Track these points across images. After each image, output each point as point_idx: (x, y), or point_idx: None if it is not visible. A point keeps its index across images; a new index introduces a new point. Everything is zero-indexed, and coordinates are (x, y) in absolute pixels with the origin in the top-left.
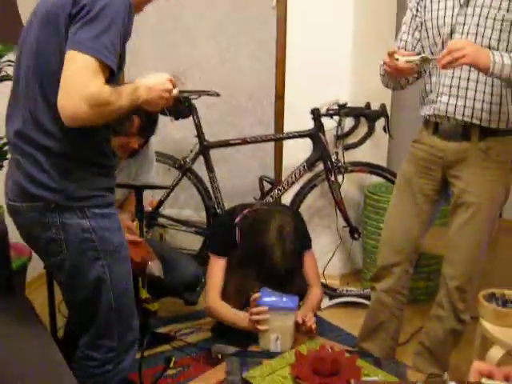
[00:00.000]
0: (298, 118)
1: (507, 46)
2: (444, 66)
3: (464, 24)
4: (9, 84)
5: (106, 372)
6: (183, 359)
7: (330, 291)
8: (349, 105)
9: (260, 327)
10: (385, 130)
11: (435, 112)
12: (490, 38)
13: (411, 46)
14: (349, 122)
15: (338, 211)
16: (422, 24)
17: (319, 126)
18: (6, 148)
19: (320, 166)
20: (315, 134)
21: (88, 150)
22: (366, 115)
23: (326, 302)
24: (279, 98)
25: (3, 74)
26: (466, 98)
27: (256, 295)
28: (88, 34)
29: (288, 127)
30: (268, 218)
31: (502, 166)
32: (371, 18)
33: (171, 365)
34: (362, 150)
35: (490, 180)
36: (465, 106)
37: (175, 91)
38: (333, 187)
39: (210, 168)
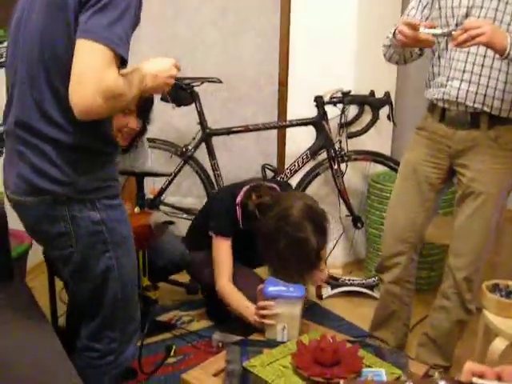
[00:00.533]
0: (301, 106)
1: None
2: (459, 44)
3: (482, 7)
4: None
5: (108, 363)
6: (184, 347)
7: (332, 280)
8: (353, 92)
9: (266, 321)
10: (389, 118)
11: (444, 96)
12: (509, 25)
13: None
14: (352, 110)
15: (341, 200)
16: (433, 1)
17: (322, 113)
18: None
19: (323, 155)
20: (318, 121)
21: (97, 140)
22: (369, 103)
23: (328, 291)
24: (282, 85)
25: (4, 59)
26: (478, 84)
27: (261, 286)
28: (100, 22)
29: (291, 115)
30: (290, 202)
31: (511, 155)
32: (375, 5)
33: (172, 353)
34: (366, 138)
35: (499, 169)
36: (477, 93)
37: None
38: (336, 176)
39: (212, 156)
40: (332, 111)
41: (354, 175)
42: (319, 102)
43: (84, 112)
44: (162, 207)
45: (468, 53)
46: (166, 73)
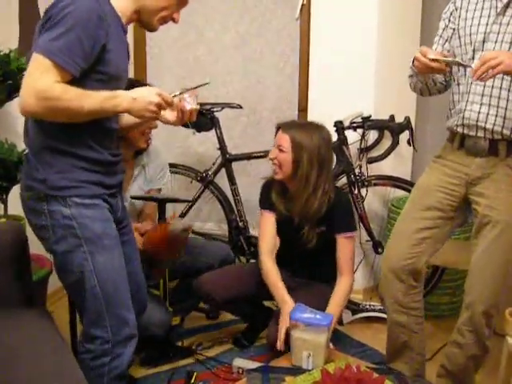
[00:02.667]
0: None
1: None
2: (479, 78)
3: (498, 33)
4: None
5: (103, 365)
6: (203, 373)
7: (352, 306)
8: (373, 117)
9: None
10: (409, 143)
11: (464, 121)
12: None
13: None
14: (373, 135)
15: (362, 225)
16: (453, 33)
17: (343, 138)
18: None
19: (343, 179)
20: (339, 146)
21: (69, 144)
22: (390, 128)
23: (348, 317)
24: (302, 110)
25: None
26: (498, 107)
27: (287, 309)
28: (46, 38)
29: None
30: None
31: None
32: (395, 30)
33: (193, 380)
34: (386, 163)
35: None
36: (496, 115)
37: (194, 105)
38: (356, 201)
39: (232, 181)
40: (352, 136)
41: (374, 200)
42: (339, 126)
43: (22, 109)
44: None
45: (490, 78)
46: (145, 98)
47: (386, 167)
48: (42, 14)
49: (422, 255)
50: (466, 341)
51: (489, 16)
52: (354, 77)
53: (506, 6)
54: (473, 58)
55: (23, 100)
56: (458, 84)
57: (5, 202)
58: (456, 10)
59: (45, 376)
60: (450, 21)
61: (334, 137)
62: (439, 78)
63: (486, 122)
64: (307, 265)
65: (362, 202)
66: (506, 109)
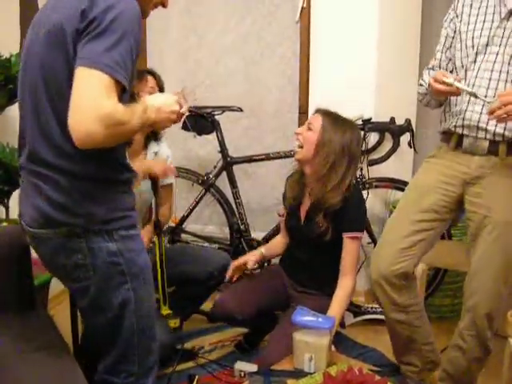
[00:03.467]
0: None
1: None
2: (499, 120)
3: (502, 37)
4: None
5: None
6: (205, 377)
7: (354, 308)
8: (373, 120)
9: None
10: (410, 145)
11: (464, 122)
12: None
13: (445, 63)
14: (373, 137)
15: None
16: (454, 35)
17: None
18: None
19: None
20: None
21: (109, 169)
22: (390, 130)
23: (350, 319)
24: (303, 112)
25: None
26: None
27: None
28: (98, 49)
29: None
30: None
31: None
32: (396, 33)
33: (194, 383)
34: (387, 165)
35: None
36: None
37: (184, 109)
38: None
39: (233, 184)
40: None
41: (375, 202)
42: None
43: (83, 140)
44: (183, 235)
45: (490, 79)
46: (168, 107)
47: (386, 169)
48: None
49: (412, 258)
50: (468, 345)
51: (492, 21)
52: (355, 79)
53: (511, 13)
54: (475, 62)
55: (88, 129)
56: (465, 77)
57: (6, 206)
58: (457, 16)
59: (46, 380)
60: (450, 28)
61: None
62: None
63: (487, 124)
64: (313, 269)
65: None
66: None
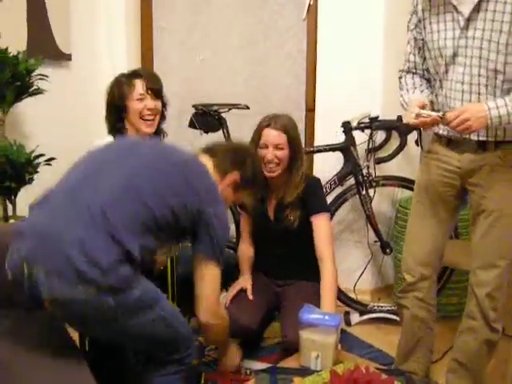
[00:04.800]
0: (328, 132)
1: None
2: (454, 129)
3: (466, 47)
4: (40, 97)
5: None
6: (211, 374)
7: (360, 307)
8: (380, 118)
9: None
10: (417, 144)
11: (450, 133)
12: (496, 62)
13: (420, 65)
14: (380, 136)
15: (369, 226)
16: (423, 44)
17: (350, 139)
18: (38, 161)
19: (351, 180)
20: (346, 147)
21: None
22: (397, 128)
23: (356, 318)
24: (310, 111)
25: (34, 88)
26: None
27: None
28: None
29: (319, 141)
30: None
31: None
32: (402, 30)
33: (202, 381)
34: (394, 163)
35: (509, 186)
36: None
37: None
38: (364, 201)
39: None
40: (360, 137)
41: (382, 201)
42: (347, 127)
43: (203, 324)
44: None
45: (462, 91)
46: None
47: (393, 168)
48: (49, 15)
49: (442, 249)
50: (479, 324)
51: (453, 29)
52: (362, 77)
53: (468, 20)
54: (447, 72)
55: (205, 315)
56: (441, 87)
57: (13, 203)
58: (420, 21)
59: (55, 379)
60: (417, 31)
61: (342, 137)
62: None
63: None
64: (291, 260)
65: (370, 202)
66: None
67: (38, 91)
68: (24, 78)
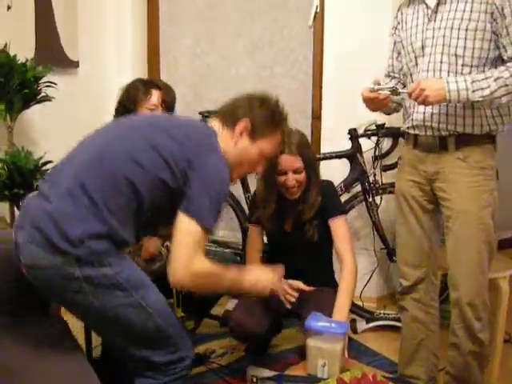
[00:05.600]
0: (335, 139)
1: (472, 52)
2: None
3: (433, 37)
4: (48, 104)
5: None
6: (216, 382)
7: (366, 314)
8: (387, 125)
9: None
10: None
11: (413, 123)
12: (457, 47)
13: (397, 69)
14: (387, 143)
15: (376, 233)
16: (400, 44)
17: (357, 146)
18: (46, 167)
19: (357, 187)
20: (353, 154)
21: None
22: (404, 136)
23: (362, 326)
24: (316, 118)
25: (42, 95)
26: (440, 105)
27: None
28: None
29: (325, 148)
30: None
31: (484, 173)
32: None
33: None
34: None
35: (473, 187)
36: (439, 114)
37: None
38: (370, 208)
39: (246, 189)
40: (366, 144)
41: (388, 208)
42: (353, 134)
43: (174, 285)
44: None
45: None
46: (264, 282)
47: None
48: (57, 23)
49: (431, 250)
50: (460, 339)
51: (423, 23)
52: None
53: (435, 12)
54: (416, 65)
55: (178, 277)
56: (412, 81)
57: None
58: (399, 23)
59: (61, 380)
60: (396, 35)
61: (348, 144)
62: (392, 105)
63: (431, 121)
64: (310, 269)
65: (377, 209)
66: (446, 105)
67: (46, 98)
68: (32, 85)
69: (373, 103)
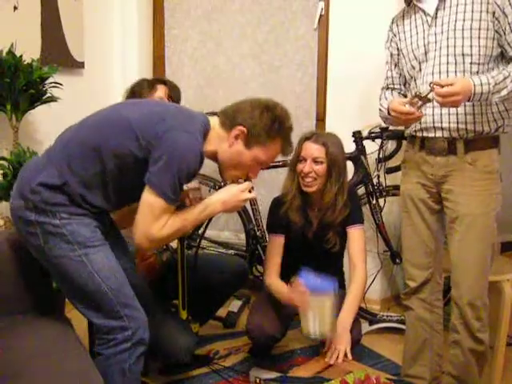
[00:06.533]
0: None
1: (479, 50)
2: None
3: (435, 42)
4: (53, 105)
5: (124, 351)
6: (220, 383)
7: (370, 316)
8: (391, 128)
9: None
10: None
11: (422, 125)
12: (463, 46)
13: (397, 79)
14: (391, 145)
15: (380, 235)
16: (398, 54)
17: (361, 148)
18: None
19: (361, 190)
20: (357, 156)
21: (91, 191)
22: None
23: (366, 328)
24: (320, 120)
25: (48, 95)
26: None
27: (295, 280)
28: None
29: None
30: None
31: (490, 177)
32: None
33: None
34: None
35: (479, 190)
36: (449, 114)
37: (253, 194)
38: (374, 211)
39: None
40: (370, 146)
41: (392, 210)
42: (357, 137)
43: (136, 247)
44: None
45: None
46: (234, 198)
47: None
48: (63, 23)
49: (437, 251)
50: (461, 336)
51: (423, 31)
52: (373, 87)
53: (435, 18)
54: (420, 70)
55: (137, 241)
56: (416, 86)
57: None
58: (395, 35)
59: (65, 381)
60: (392, 47)
61: (352, 147)
62: None
63: (441, 122)
64: (323, 271)
65: (380, 211)
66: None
67: (52, 99)
68: (38, 85)
69: (406, 118)
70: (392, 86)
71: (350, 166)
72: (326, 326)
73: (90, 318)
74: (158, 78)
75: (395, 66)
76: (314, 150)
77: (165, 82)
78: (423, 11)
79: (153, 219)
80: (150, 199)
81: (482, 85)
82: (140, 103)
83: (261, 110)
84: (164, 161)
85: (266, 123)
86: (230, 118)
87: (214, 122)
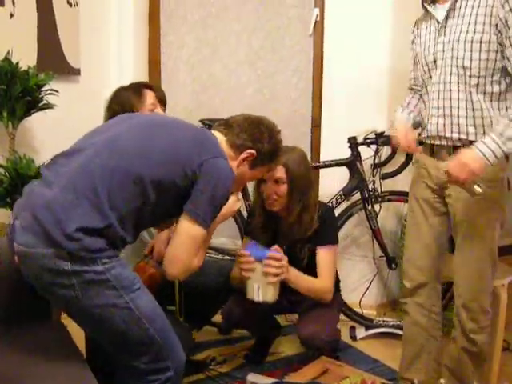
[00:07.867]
0: (334, 147)
1: (479, 63)
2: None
3: (443, 51)
4: (49, 112)
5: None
6: None
7: (366, 322)
8: (386, 133)
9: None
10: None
11: (429, 134)
12: (464, 59)
13: (419, 80)
14: (386, 151)
15: (375, 241)
16: (416, 57)
17: (356, 154)
18: None
19: (357, 195)
20: (352, 162)
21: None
22: None
23: (362, 333)
24: (316, 126)
25: (44, 102)
26: (451, 116)
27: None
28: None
29: (324, 156)
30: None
31: (492, 185)
32: (408, 47)
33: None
34: (400, 178)
35: (479, 198)
36: (451, 124)
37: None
38: (370, 216)
39: (246, 197)
40: (365, 152)
41: (387, 216)
42: (353, 142)
43: (171, 279)
44: None
45: (438, 91)
46: (230, 210)
47: (399, 183)
48: (59, 30)
49: (438, 256)
50: (457, 333)
51: (434, 38)
52: (368, 93)
53: (444, 26)
54: (430, 77)
55: (174, 272)
56: (424, 102)
57: None
58: (415, 38)
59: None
60: (413, 49)
61: (348, 153)
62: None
63: (444, 132)
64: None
65: (376, 217)
66: (458, 116)
67: (48, 106)
68: (34, 92)
69: (407, 146)
70: (415, 86)
71: (345, 172)
72: (269, 294)
73: (131, 363)
74: (139, 83)
75: (416, 66)
76: (275, 171)
77: (151, 87)
78: (436, 19)
79: (195, 251)
80: (192, 231)
81: (486, 145)
82: (163, 126)
83: (269, 135)
84: (209, 191)
85: (272, 149)
86: (240, 139)
87: (218, 136)
